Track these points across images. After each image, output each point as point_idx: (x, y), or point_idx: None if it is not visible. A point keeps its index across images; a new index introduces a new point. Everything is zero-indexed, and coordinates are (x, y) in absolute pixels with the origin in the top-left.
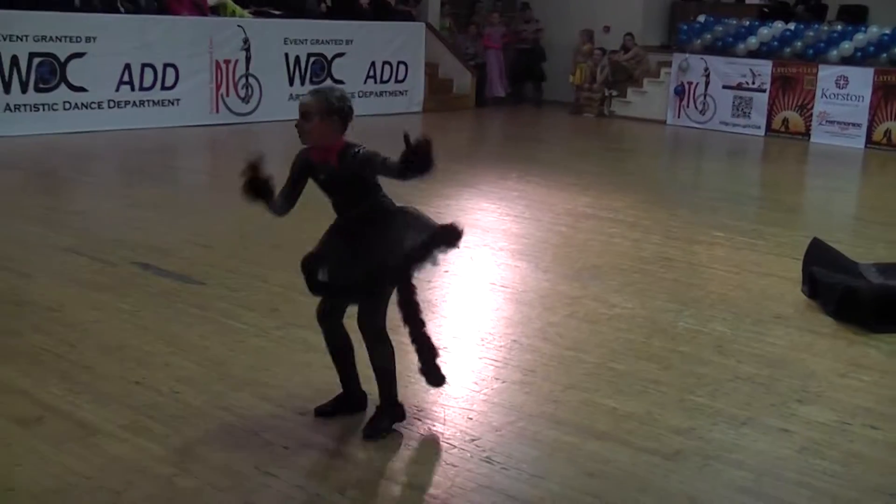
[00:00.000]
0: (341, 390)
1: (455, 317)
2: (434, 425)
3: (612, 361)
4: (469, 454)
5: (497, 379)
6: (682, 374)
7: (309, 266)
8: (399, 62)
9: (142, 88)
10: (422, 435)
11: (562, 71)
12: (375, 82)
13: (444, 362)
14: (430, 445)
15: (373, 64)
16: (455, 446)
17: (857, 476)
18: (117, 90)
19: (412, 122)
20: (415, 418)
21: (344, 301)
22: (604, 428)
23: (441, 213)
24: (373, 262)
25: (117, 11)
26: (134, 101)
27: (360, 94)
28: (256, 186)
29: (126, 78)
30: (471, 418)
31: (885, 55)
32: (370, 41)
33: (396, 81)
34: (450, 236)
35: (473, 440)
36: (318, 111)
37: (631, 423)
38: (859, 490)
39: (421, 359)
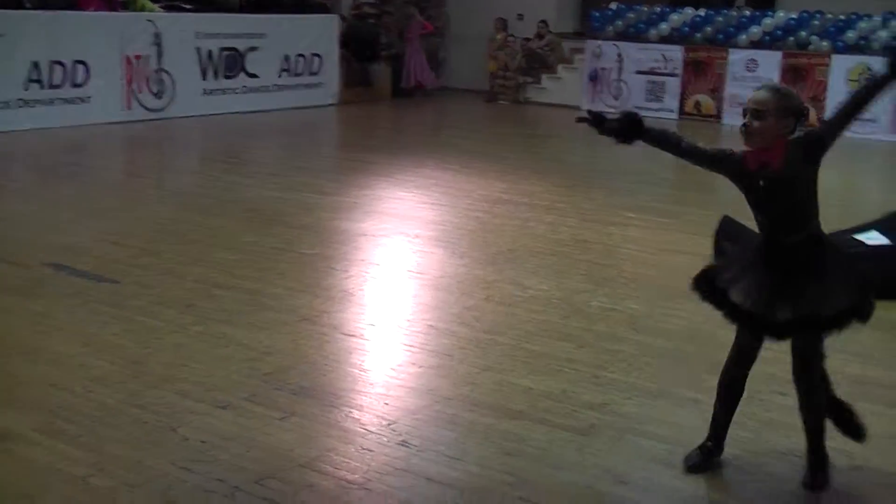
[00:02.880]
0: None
1: (372, 304)
2: (351, 412)
3: (528, 342)
4: (386, 438)
5: (414, 364)
6: (596, 351)
7: (706, 280)
8: (313, 55)
9: (51, 86)
10: (338, 421)
11: (475, 59)
12: (290, 75)
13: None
14: (347, 432)
15: (287, 57)
16: (372, 431)
17: (767, 441)
18: (26, 89)
19: (328, 115)
20: (331, 405)
21: (761, 338)
22: (520, 407)
23: (357, 202)
24: (805, 306)
25: (23, 7)
26: (43, 100)
27: (275, 87)
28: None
29: (35, 76)
30: (387, 403)
31: (792, 39)
32: (283, 34)
33: (311, 74)
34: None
35: (390, 424)
36: (776, 109)
37: (546, 402)
38: (768, 454)
39: (832, 417)
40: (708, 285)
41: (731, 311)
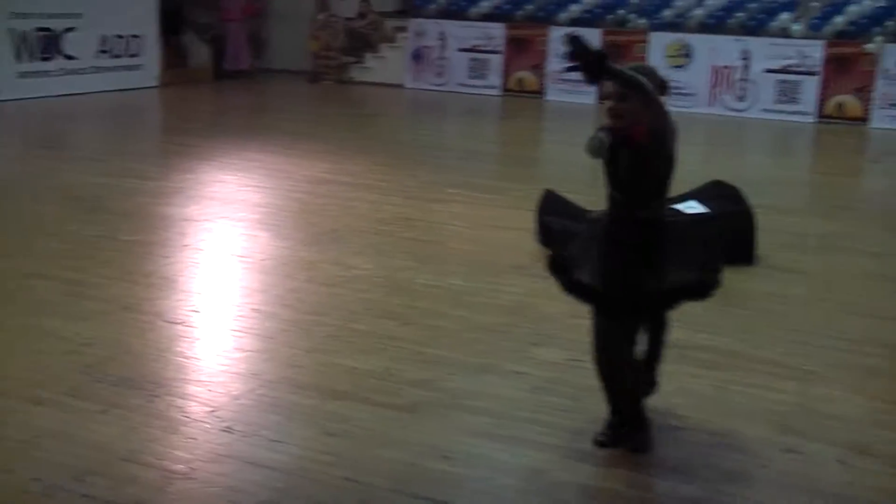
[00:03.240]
0: None
1: (196, 290)
2: (174, 400)
3: (352, 322)
4: (209, 425)
5: (238, 349)
6: (420, 328)
7: (557, 265)
8: (132, 35)
9: None
10: (161, 411)
11: (298, 39)
12: (109, 56)
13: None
14: (171, 421)
15: (105, 38)
16: (195, 419)
17: (586, 408)
18: None
19: (149, 98)
20: (154, 395)
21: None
22: (344, 388)
23: (180, 187)
24: (645, 280)
25: None
26: None
27: (93, 69)
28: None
29: None
30: (211, 390)
31: (611, 16)
32: (101, 14)
33: (130, 55)
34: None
35: (214, 411)
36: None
37: (371, 381)
38: (587, 420)
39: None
40: (561, 269)
41: (582, 293)
